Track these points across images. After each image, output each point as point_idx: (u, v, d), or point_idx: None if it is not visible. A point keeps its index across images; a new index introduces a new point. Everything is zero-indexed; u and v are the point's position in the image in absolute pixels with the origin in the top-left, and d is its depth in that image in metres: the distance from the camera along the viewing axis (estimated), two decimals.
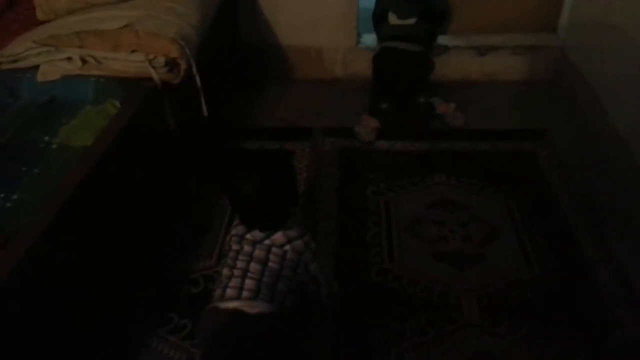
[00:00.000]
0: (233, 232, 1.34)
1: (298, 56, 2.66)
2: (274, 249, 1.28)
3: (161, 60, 1.60)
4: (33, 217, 1.13)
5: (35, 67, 1.60)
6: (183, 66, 1.62)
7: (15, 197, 1.19)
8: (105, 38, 1.60)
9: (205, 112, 1.77)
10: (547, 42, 2.54)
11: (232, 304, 1.21)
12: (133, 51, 1.59)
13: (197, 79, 1.69)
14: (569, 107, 2.35)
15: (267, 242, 1.28)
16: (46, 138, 1.38)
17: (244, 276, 1.24)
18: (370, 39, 2.64)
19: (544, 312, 1.48)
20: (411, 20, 2.35)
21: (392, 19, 2.35)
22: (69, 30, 1.64)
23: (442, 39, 2.59)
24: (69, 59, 1.59)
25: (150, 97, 1.57)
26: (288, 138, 2.23)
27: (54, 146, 1.35)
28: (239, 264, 1.27)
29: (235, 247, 1.30)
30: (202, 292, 1.58)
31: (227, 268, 1.28)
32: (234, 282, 1.24)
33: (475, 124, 2.30)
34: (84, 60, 1.59)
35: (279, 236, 1.29)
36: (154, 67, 1.59)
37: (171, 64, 1.62)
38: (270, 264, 1.26)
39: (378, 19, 2.45)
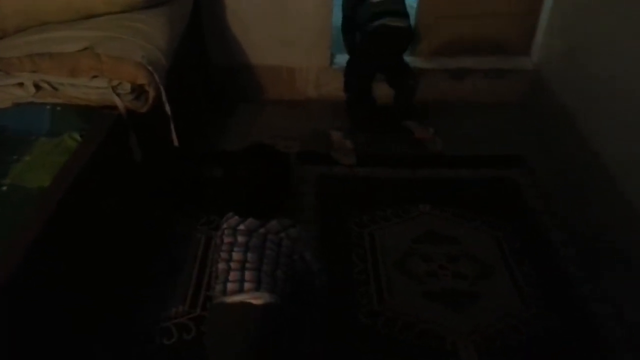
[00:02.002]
0: (224, 225, 1.29)
1: (269, 76, 2.55)
2: (270, 237, 1.26)
3: (127, 86, 1.44)
4: None
5: None
6: (152, 93, 1.47)
7: None
8: (62, 62, 1.43)
9: (176, 142, 1.62)
10: (521, 65, 2.53)
11: (237, 298, 1.18)
12: (94, 77, 1.43)
13: (167, 106, 1.54)
14: (545, 130, 2.34)
15: (262, 230, 1.26)
16: None
17: (242, 268, 1.21)
18: (344, 59, 2.55)
19: (544, 356, 1.41)
20: None
21: None
22: (20, 52, 1.47)
23: (416, 62, 2.54)
24: (21, 84, 1.42)
25: (114, 127, 1.41)
26: None
27: (4, 188, 1.18)
28: (235, 256, 1.22)
29: (228, 239, 1.26)
30: (176, 343, 1.42)
31: (222, 262, 1.23)
32: (233, 275, 1.21)
33: (453, 149, 2.25)
34: (37, 86, 1.42)
35: (274, 224, 1.27)
36: (118, 95, 1.44)
37: (138, 90, 1.47)
38: (267, 251, 1.24)
39: (354, 8, 2.26)
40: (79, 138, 1.33)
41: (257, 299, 1.18)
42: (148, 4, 1.71)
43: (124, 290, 1.51)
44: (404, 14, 2.21)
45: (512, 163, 2.14)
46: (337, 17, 2.51)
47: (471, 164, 2.13)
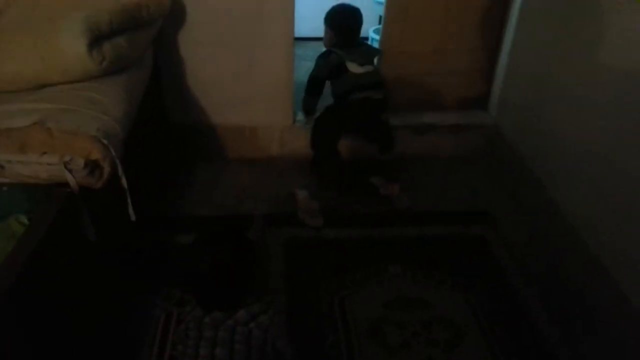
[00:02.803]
0: (188, 318, 1.22)
1: (231, 135, 2.51)
2: (238, 328, 1.18)
3: (79, 162, 1.36)
4: None
5: None
6: (107, 169, 1.40)
7: None
8: (10, 138, 1.34)
9: (132, 217, 1.54)
10: (481, 120, 2.59)
11: None
12: (44, 153, 1.35)
13: (124, 180, 1.47)
14: (507, 183, 2.37)
15: (229, 322, 1.18)
16: None
17: None
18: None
19: None
20: (370, 67, 2.29)
21: (353, 67, 2.24)
22: None
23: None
24: None
25: (65, 207, 1.32)
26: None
27: None
28: (202, 352, 1.15)
29: (193, 333, 1.18)
30: None
31: (187, 358, 1.14)
32: None
33: (418, 205, 2.24)
34: None
35: (241, 314, 1.20)
36: (70, 171, 1.36)
37: (92, 165, 1.39)
38: (236, 345, 1.15)
39: (331, 74, 2.30)
40: (26, 221, 1.24)
41: None
42: (104, 72, 1.64)
43: None
44: (382, 85, 2.31)
45: (478, 219, 2.15)
46: (299, 74, 2.52)
47: (438, 221, 2.12)
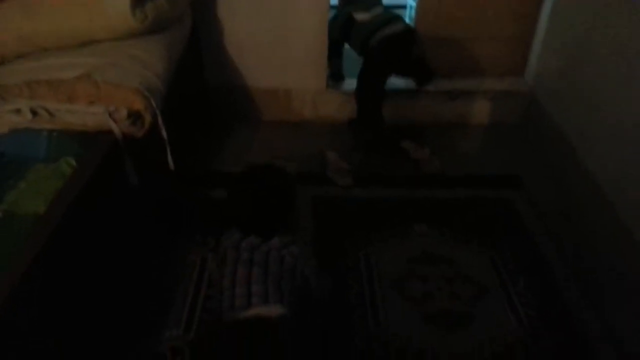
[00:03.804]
0: (226, 243, 1.31)
1: (266, 98, 2.57)
2: (272, 253, 1.28)
3: (123, 112, 1.46)
4: None
5: None
6: (148, 119, 1.49)
7: None
8: (59, 88, 1.45)
9: (171, 166, 1.63)
10: (517, 86, 2.56)
11: (250, 312, 1.18)
12: (91, 103, 1.45)
13: (163, 131, 1.56)
14: (541, 151, 2.35)
15: (264, 247, 1.28)
16: None
17: (248, 282, 1.22)
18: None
19: None
20: (379, 9, 2.29)
21: (360, 16, 2.24)
22: (18, 78, 1.49)
23: (412, 83, 2.57)
24: (18, 110, 1.43)
25: (110, 153, 1.42)
26: None
27: None
28: (240, 272, 1.24)
29: (232, 255, 1.27)
30: None
31: (227, 278, 1.24)
32: (240, 290, 1.21)
33: (449, 169, 2.26)
34: (34, 113, 1.43)
35: (275, 242, 1.29)
36: (114, 120, 1.45)
37: (134, 116, 1.48)
38: (271, 266, 1.25)
39: (342, 32, 2.33)
40: (74, 163, 1.34)
41: (269, 312, 1.19)
42: (147, 31, 1.73)
43: (118, 315, 1.50)
44: (396, 19, 2.26)
45: (508, 183, 2.15)
46: None
47: (467, 185, 2.14)
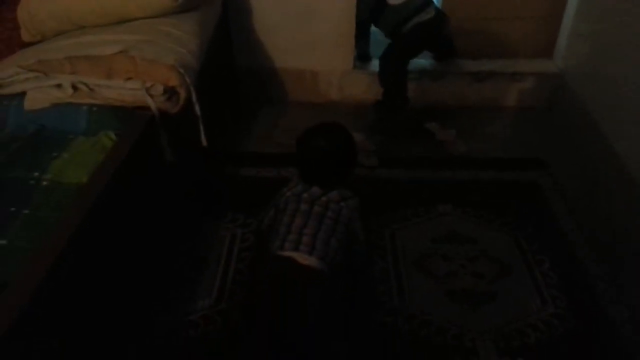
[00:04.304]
0: (289, 193, 1.46)
1: (293, 79, 2.60)
2: (331, 205, 1.41)
3: (159, 88, 1.50)
4: (28, 265, 1.02)
5: (22, 94, 1.48)
6: (183, 95, 1.53)
7: (4, 242, 1.08)
8: (98, 64, 1.50)
9: (204, 142, 1.68)
10: (545, 68, 2.53)
11: (288, 253, 1.34)
12: (128, 78, 1.50)
13: (197, 107, 1.60)
14: (568, 134, 2.34)
15: (324, 199, 1.42)
16: (36, 174, 1.26)
17: (300, 233, 1.36)
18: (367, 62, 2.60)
19: (562, 356, 1.42)
20: None
21: None
22: (58, 54, 1.54)
23: (438, 64, 2.56)
24: (59, 85, 1.48)
25: (147, 127, 1.47)
26: (285, 164, 2.15)
27: (44, 183, 1.24)
28: (297, 221, 1.38)
29: (292, 205, 1.42)
30: (202, 334, 1.48)
31: (283, 226, 1.39)
32: (291, 237, 1.36)
33: (474, 151, 2.26)
34: (75, 88, 1.48)
35: (335, 194, 1.44)
36: (151, 96, 1.50)
37: (170, 92, 1.53)
38: (326, 220, 1.39)
39: (372, 14, 2.32)
40: (114, 137, 1.39)
41: (304, 260, 1.31)
42: (180, 9, 1.77)
43: (152, 285, 1.57)
44: (428, 3, 2.25)
45: (534, 166, 2.15)
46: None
47: (493, 166, 2.15)
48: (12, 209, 1.16)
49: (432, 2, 2.29)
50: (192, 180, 1.86)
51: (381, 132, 2.38)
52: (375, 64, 2.52)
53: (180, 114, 1.57)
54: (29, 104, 1.47)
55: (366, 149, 2.23)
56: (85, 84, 1.49)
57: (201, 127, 1.65)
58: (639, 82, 1.84)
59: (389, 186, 2.05)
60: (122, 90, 1.50)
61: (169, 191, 1.67)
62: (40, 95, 1.49)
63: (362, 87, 2.57)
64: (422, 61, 2.52)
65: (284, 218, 1.39)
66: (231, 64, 2.44)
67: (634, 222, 1.77)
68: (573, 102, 2.35)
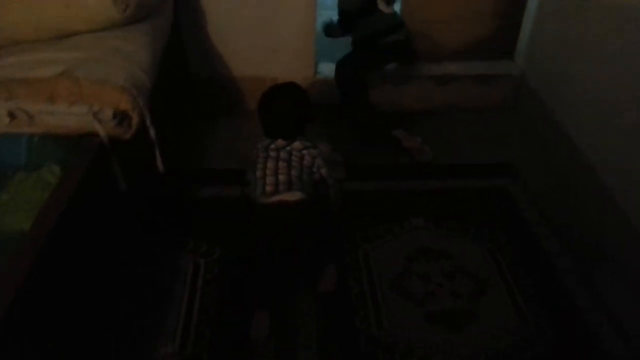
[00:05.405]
0: (258, 146, 1.70)
1: (252, 87, 2.47)
2: (294, 152, 1.66)
3: (108, 112, 1.37)
4: None
5: None
6: (135, 119, 1.40)
7: None
8: (38, 88, 1.34)
9: (161, 167, 1.55)
10: (506, 69, 2.52)
11: (275, 198, 1.56)
12: (73, 103, 1.35)
13: (152, 131, 1.47)
14: (533, 134, 2.34)
15: (288, 148, 1.66)
16: None
17: (275, 174, 1.60)
18: (327, 68, 2.50)
19: None
20: (393, 8, 2.28)
21: (383, 6, 2.22)
22: None
23: (401, 69, 2.51)
24: None
25: (95, 157, 1.33)
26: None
27: None
28: (269, 165, 1.62)
29: (262, 154, 1.66)
30: None
31: (258, 171, 1.62)
32: (269, 180, 1.59)
33: (441, 157, 2.22)
34: (12, 115, 1.33)
35: (297, 144, 1.68)
36: (99, 121, 1.36)
37: (120, 116, 1.39)
38: (293, 163, 1.63)
39: (360, 10, 2.26)
40: (58, 172, 1.25)
41: (292, 197, 1.55)
42: (128, 20, 1.62)
43: (110, 329, 1.43)
44: (402, 25, 2.32)
45: (502, 171, 2.13)
46: (318, 24, 2.45)
47: (461, 173, 2.11)
48: None
49: (404, 24, 2.33)
50: (149, 207, 1.72)
51: (351, 137, 2.30)
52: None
53: (134, 139, 1.43)
54: None
55: (334, 160, 2.14)
56: (24, 111, 1.34)
57: (157, 152, 1.52)
58: (598, 80, 1.85)
59: (359, 200, 1.97)
60: (66, 117, 1.36)
61: (124, 221, 1.54)
62: None
63: (325, 93, 2.46)
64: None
65: (258, 165, 1.62)
66: (186, 75, 2.29)
67: (603, 223, 1.78)
68: (535, 102, 2.35)
